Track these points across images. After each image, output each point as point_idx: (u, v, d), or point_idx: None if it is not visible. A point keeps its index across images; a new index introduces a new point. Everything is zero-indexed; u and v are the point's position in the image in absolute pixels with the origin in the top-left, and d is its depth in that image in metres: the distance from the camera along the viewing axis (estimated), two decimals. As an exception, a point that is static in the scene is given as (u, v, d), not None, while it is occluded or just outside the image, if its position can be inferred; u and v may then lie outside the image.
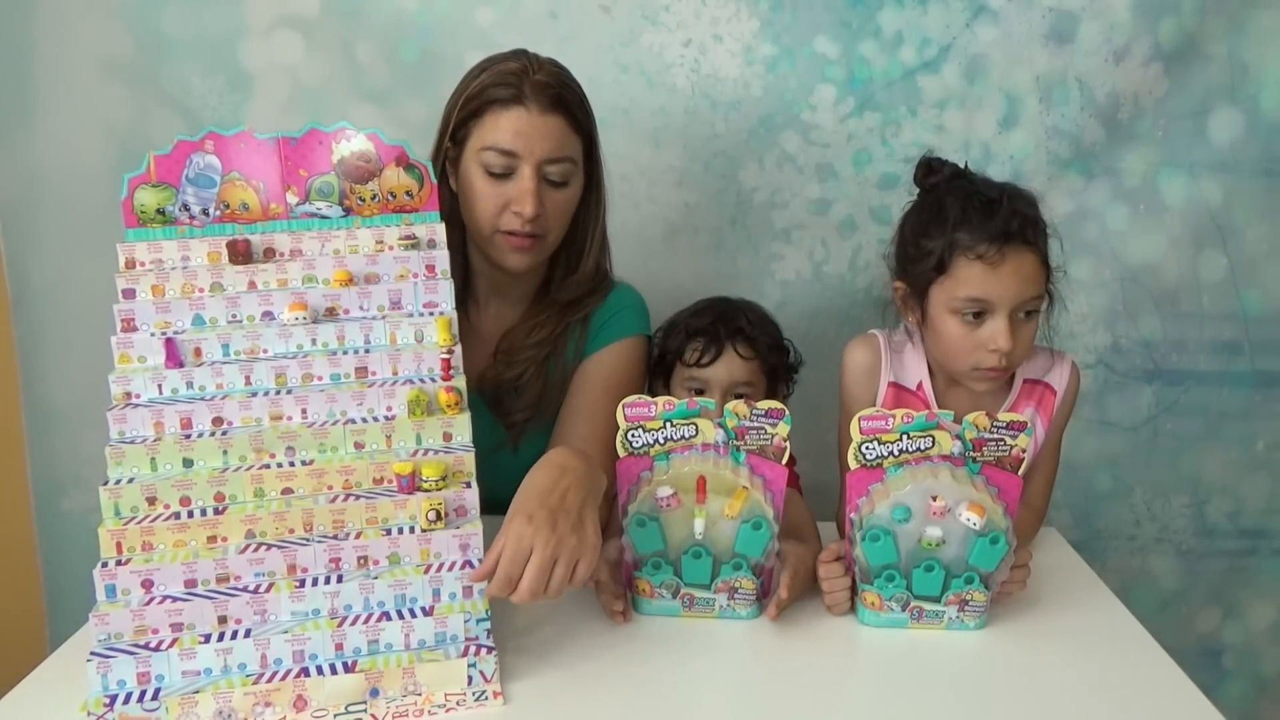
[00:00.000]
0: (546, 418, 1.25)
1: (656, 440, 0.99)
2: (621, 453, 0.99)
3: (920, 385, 1.19)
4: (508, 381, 1.23)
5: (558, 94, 1.15)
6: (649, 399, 0.98)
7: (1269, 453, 1.65)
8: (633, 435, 0.99)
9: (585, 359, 1.25)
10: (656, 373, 1.30)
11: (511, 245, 1.18)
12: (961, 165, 1.16)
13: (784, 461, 0.99)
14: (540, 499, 0.89)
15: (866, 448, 0.98)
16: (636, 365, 1.28)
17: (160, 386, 0.95)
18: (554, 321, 1.26)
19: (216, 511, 0.90)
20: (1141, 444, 1.65)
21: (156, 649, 0.82)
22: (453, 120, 1.18)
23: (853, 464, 0.99)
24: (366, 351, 0.99)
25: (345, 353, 0.99)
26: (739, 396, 1.23)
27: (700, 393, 1.23)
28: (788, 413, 0.98)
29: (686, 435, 0.99)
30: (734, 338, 1.25)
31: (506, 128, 1.13)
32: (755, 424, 0.98)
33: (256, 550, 0.87)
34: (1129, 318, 1.60)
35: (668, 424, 0.98)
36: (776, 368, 1.30)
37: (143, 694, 0.81)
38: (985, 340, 1.09)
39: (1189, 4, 1.47)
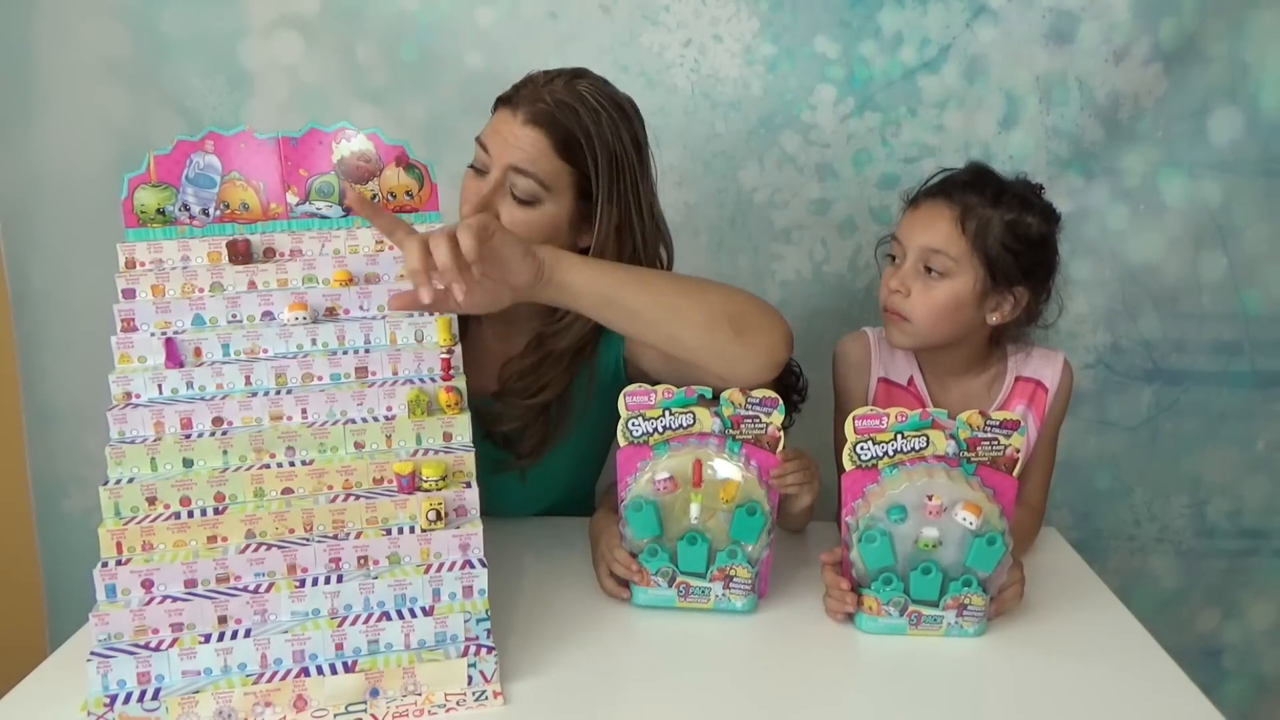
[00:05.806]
0: (555, 450, 1.20)
1: (655, 429, 1.00)
2: (623, 442, 1.01)
3: (911, 380, 1.20)
4: (508, 423, 1.17)
5: (550, 112, 1.06)
6: (648, 387, 0.99)
7: (1269, 453, 1.65)
8: (633, 424, 1.00)
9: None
10: None
11: None
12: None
13: (778, 453, 1.00)
14: None
15: (861, 448, 0.98)
16: None
17: (160, 386, 0.95)
18: (558, 381, 1.16)
19: (216, 511, 0.89)
20: (1141, 444, 1.65)
21: (156, 649, 0.82)
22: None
23: (847, 465, 0.99)
24: (366, 351, 0.99)
25: (345, 353, 0.99)
26: None
27: None
28: (781, 402, 0.99)
29: (685, 424, 1.00)
30: None
31: (491, 125, 1.11)
32: (750, 412, 0.99)
33: (256, 550, 0.87)
34: (1129, 318, 1.60)
35: (666, 412, 1.00)
36: (788, 390, 1.30)
37: (143, 694, 0.81)
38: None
39: (1189, 4, 1.46)
